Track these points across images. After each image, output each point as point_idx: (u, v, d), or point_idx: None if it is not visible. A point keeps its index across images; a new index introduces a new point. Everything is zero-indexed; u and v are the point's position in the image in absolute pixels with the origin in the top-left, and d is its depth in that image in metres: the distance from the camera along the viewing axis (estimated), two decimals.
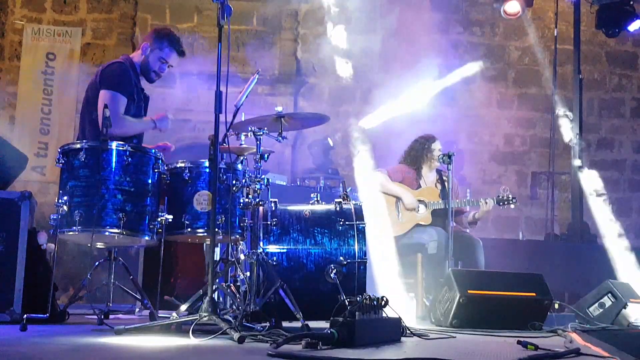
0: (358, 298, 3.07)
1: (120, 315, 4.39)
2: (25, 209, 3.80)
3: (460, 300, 4.22)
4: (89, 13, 9.01)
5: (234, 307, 3.81)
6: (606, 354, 2.84)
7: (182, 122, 7.98)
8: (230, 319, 3.38)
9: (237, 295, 3.83)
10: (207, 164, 3.76)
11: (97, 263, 4.01)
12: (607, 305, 4.68)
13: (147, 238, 3.69)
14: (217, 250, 4.33)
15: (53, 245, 3.82)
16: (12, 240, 3.76)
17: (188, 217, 3.71)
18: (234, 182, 3.74)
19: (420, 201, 5.47)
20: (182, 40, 4.60)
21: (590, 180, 7.36)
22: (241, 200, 3.78)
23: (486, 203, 5.42)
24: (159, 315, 3.79)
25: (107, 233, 3.57)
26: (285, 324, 3.59)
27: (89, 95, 4.27)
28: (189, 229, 3.72)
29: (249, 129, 3.88)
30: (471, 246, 5.36)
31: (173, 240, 4.01)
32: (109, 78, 4.19)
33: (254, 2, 9.21)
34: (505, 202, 5.46)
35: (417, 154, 5.65)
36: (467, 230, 5.67)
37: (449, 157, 5.06)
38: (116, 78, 4.19)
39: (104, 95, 4.13)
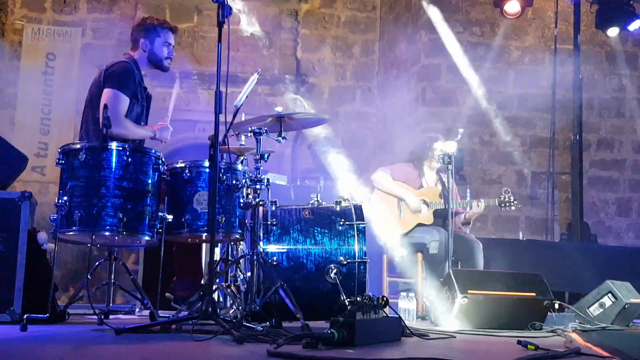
0: (358, 298, 3.07)
1: (120, 315, 4.39)
2: (25, 209, 3.80)
3: (461, 300, 4.22)
4: (89, 13, 9.02)
5: (234, 307, 3.81)
6: (606, 354, 2.83)
7: (182, 122, 7.98)
8: (230, 319, 3.38)
9: (237, 295, 3.83)
10: (207, 164, 3.76)
11: (97, 263, 4.01)
12: (607, 305, 4.68)
13: (147, 238, 3.69)
14: (217, 250, 4.33)
15: (53, 245, 3.82)
16: (12, 240, 3.76)
17: (188, 217, 3.71)
18: (234, 182, 3.74)
19: (421, 201, 5.47)
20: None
21: None
22: (241, 200, 3.78)
23: (477, 205, 5.44)
24: (159, 315, 3.79)
25: (107, 233, 3.57)
26: (285, 324, 3.59)
27: (92, 94, 4.26)
28: (189, 229, 3.72)
29: (249, 129, 3.88)
30: (471, 248, 5.37)
31: (173, 241, 4.01)
32: (113, 77, 4.19)
33: (254, 2, 9.22)
34: (507, 204, 5.46)
35: (419, 153, 5.65)
36: (467, 231, 5.67)
37: (449, 157, 5.06)
38: (120, 77, 4.19)
39: (106, 94, 4.12)
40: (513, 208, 5.51)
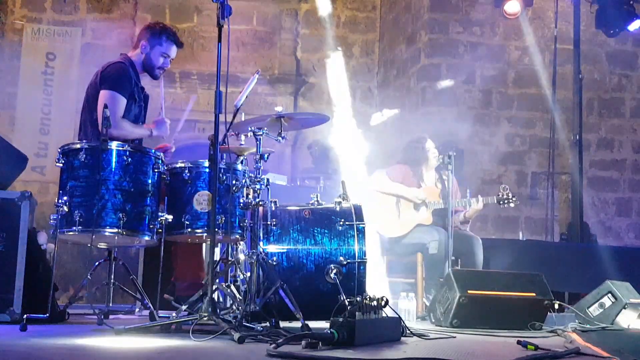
0: (358, 298, 3.07)
1: (120, 315, 4.39)
2: (25, 209, 3.80)
3: (460, 300, 4.22)
4: (89, 13, 9.02)
5: (234, 307, 3.81)
6: (606, 354, 2.83)
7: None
8: (230, 319, 3.38)
9: (237, 295, 3.83)
10: (207, 164, 3.76)
11: (97, 263, 4.01)
12: (607, 305, 4.68)
13: (147, 238, 3.69)
14: (217, 250, 4.33)
15: (53, 245, 3.81)
16: (12, 240, 3.76)
17: (188, 217, 3.71)
18: (234, 182, 3.74)
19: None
20: (182, 40, 4.61)
21: None
22: (241, 200, 3.78)
23: (477, 202, 5.43)
24: (159, 315, 3.79)
25: (107, 233, 3.57)
26: (285, 324, 3.59)
27: (89, 96, 4.27)
28: (189, 229, 3.72)
29: (249, 129, 3.88)
30: (470, 244, 5.37)
31: (173, 241, 4.01)
32: (109, 78, 4.20)
33: (254, 2, 9.22)
34: (506, 202, 5.46)
35: (413, 156, 5.65)
36: (467, 229, 5.67)
37: (449, 157, 5.07)
38: (116, 78, 4.19)
39: (103, 96, 4.13)
40: (512, 205, 5.50)
